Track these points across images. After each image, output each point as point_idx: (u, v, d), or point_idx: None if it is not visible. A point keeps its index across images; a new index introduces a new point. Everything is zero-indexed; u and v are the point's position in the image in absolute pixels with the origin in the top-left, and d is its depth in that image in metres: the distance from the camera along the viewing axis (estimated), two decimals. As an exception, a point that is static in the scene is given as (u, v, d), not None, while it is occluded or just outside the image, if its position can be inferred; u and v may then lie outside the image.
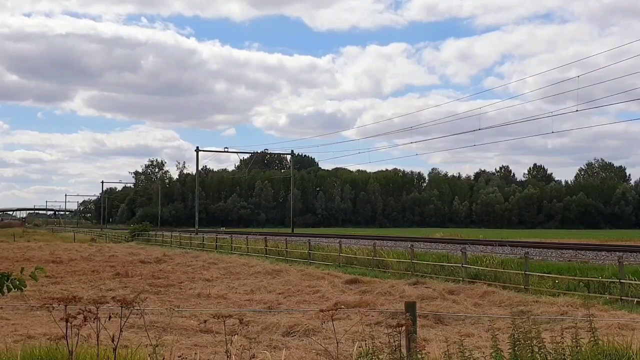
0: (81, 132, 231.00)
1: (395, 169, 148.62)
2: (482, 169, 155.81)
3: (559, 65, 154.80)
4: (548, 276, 16.62)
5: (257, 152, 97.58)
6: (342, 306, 9.38)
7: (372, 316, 11.88)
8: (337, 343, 5.99)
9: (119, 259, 29.20)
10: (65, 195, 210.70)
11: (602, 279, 15.59)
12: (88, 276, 21.46)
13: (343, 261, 24.84)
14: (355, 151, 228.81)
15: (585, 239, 41.11)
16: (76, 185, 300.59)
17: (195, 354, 8.21)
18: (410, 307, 6.68)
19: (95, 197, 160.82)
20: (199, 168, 66.70)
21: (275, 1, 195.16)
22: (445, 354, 6.28)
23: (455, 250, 23.71)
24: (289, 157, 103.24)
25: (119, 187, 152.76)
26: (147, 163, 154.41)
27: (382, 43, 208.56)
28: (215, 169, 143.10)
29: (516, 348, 6.27)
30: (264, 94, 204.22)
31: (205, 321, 7.32)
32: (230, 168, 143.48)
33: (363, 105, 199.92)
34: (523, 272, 16.70)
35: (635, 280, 14.70)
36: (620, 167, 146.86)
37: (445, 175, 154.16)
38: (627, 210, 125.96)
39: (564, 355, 6.29)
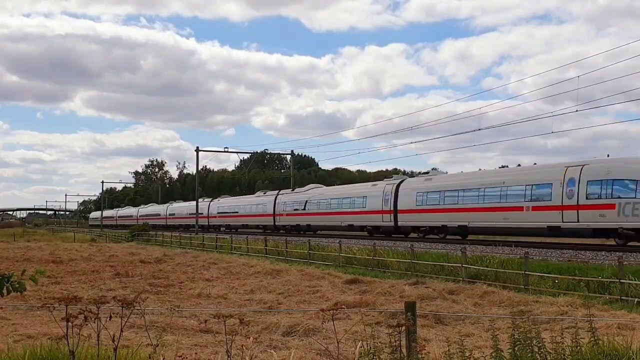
0: (81, 132, 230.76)
1: (395, 169, 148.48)
2: (482, 169, 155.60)
3: (558, 66, 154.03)
4: (548, 276, 16.62)
5: (257, 152, 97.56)
6: (343, 306, 9.36)
7: (373, 316, 11.88)
8: (338, 343, 5.99)
9: (119, 259, 29.20)
10: (66, 195, 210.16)
11: (602, 279, 15.58)
12: (88, 276, 21.47)
13: (343, 261, 24.83)
14: (355, 151, 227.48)
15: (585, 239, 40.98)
16: (76, 185, 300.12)
17: (196, 353, 8.24)
18: (410, 307, 6.69)
19: (95, 197, 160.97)
20: (199, 168, 66.72)
21: (273, 2, 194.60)
22: (446, 354, 6.29)
23: (455, 250, 23.69)
24: (289, 157, 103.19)
25: (119, 187, 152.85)
26: (147, 163, 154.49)
27: (380, 44, 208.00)
28: (215, 169, 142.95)
29: (516, 348, 6.28)
30: (264, 94, 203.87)
31: (205, 321, 7.33)
32: (230, 168, 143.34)
33: (362, 106, 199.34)
34: (523, 272, 16.71)
35: (635, 280, 14.68)
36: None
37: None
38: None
39: (564, 355, 6.30)
